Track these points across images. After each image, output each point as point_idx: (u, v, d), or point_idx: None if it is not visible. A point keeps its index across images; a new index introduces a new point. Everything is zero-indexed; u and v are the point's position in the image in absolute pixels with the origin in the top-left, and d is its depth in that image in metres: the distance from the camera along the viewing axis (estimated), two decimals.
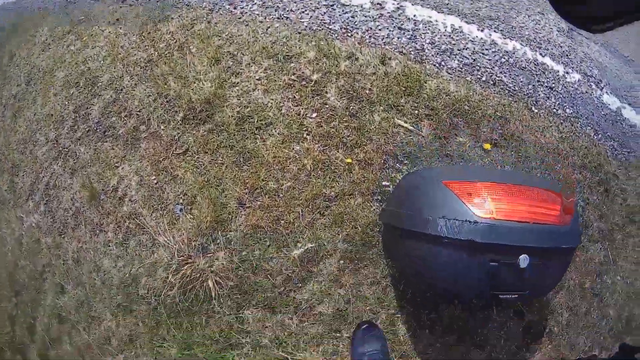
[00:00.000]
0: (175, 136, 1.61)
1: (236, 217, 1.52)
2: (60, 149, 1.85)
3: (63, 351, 1.84)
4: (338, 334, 1.44)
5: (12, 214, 2.04)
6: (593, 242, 1.71)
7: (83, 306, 1.78)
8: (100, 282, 1.71)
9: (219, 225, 1.52)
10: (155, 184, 1.59)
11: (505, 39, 1.82)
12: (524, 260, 1.01)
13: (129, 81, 1.78)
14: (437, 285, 1.17)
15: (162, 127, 1.64)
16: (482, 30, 1.80)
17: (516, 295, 1.08)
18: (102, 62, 1.88)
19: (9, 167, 2.08)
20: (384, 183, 1.50)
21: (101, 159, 1.71)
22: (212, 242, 1.52)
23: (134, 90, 1.75)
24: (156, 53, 1.79)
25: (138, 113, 1.69)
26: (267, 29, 1.74)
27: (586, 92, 1.89)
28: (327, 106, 1.58)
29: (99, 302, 1.72)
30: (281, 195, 1.51)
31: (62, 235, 1.80)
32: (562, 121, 1.75)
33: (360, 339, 1.38)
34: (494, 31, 1.82)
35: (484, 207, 1.03)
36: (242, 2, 1.85)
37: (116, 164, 1.67)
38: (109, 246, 1.67)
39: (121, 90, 1.77)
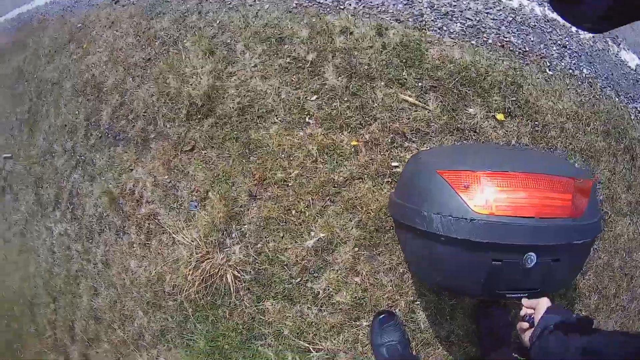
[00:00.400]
0: (181, 133, 1.81)
1: (248, 210, 1.71)
2: (78, 157, 2.13)
3: (102, 349, 2.18)
4: (357, 323, 1.58)
5: (42, 225, 2.39)
6: (621, 217, 1.70)
7: (116, 305, 2.08)
8: (129, 282, 1.99)
9: (232, 219, 1.72)
10: (169, 183, 1.82)
11: None
12: (530, 259, 1.00)
13: (131, 83, 2.00)
14: (440, 283, 1.20)
15: (168, 126, 1.85)
16: None
17: (526, 294, 1.05)
18: (104, 67, 2.12)
19: (33, 181, 2.42)
20: (393, 164, 1.60)
21: (116, 163, 1.97)
22: (227, 237, 1.73)
23: (137, 91, 1.97)
24: (153, 51, 1.99)
25: (144, 114, 1.92)
26: (257, 12, 1.87)
27: (602, 50, 1.85)
28: (327, 86, 1.70)
29: (130, 300, 2.01)
30: (290, 184, 1.67)
31: (90, 241, 2.10)
32: (580, 82, 1.74)
33: (378, 330, 1.49)
34: None
35: (482, 201, 1.01)
36: None
37: (130, 167, 1.92)
38: (134, 247, 1.94)
39: (125, 93, 2.00)
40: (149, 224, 1.87)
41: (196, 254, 1.74)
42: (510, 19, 1.75)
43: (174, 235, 1.80)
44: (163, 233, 1.84)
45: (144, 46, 2.01)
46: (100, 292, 2.13)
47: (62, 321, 2.45)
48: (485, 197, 1.02)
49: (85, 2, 2.44)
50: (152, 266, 1.89)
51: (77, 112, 2.17)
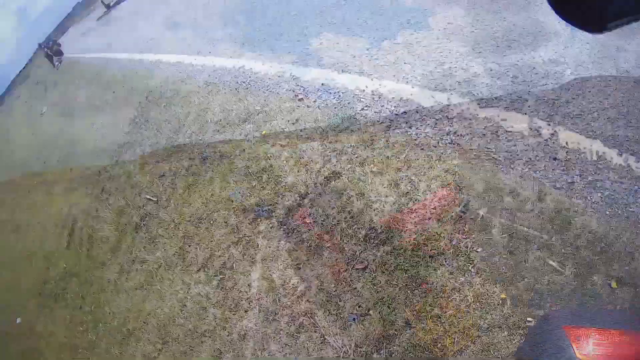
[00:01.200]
0: (356, 252, 2.54)
1: (401, 334, 2.39)
2: (241, 236, 2.90)
3: None
4: None
5: (178, 277, 3.14)
6: None
7: None
8: None
9: (385, 338, 2.40)
10: (334, 291, 2.53)
11: (638, 162, 2.53)
12: None
13: (313, 189, 2.77)
14: None
15: (344, 241, 2.58)
16: (620, 155, 2.56)
17: None
18: (284, 162, 2.91)
19: (181, 236, 3.19)
20: (528, 319, 2.28)
21: (283, 257, 2.71)
22: (376, 352, 2.40)
23: (319, 198, 2.73)
24: (338, 165, 2.76)
25: (322, 223, 2.67)
26: (440, 156, 2.63)
27: None
28: (491, 241, 2.40)
29: None
30: (443, 320, 2.35)
31: (233, 312, 2.82)
32: None
33: None
34: (630, 154, 2.55)
35: (586, 350, 1.65)
36: (416, 121, 2.76)
37: (298, 265, 2.65)
38: (279, 334, 2.63)
39: (305, 196, 2.77)
40: (303, 319, 2.57)
41: (343, 357, 2.41)
42: (637, 188, 2.47)
43: (326, 336, 2.48)
44: (315, 332, 2.53)
45: (329, 156, 2.79)
46: (224, 357, 2.81)
47: None
48: (589, 347, 1.66)
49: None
50: (293, 355, 2.57)
51: (248, 195, 2.95)
